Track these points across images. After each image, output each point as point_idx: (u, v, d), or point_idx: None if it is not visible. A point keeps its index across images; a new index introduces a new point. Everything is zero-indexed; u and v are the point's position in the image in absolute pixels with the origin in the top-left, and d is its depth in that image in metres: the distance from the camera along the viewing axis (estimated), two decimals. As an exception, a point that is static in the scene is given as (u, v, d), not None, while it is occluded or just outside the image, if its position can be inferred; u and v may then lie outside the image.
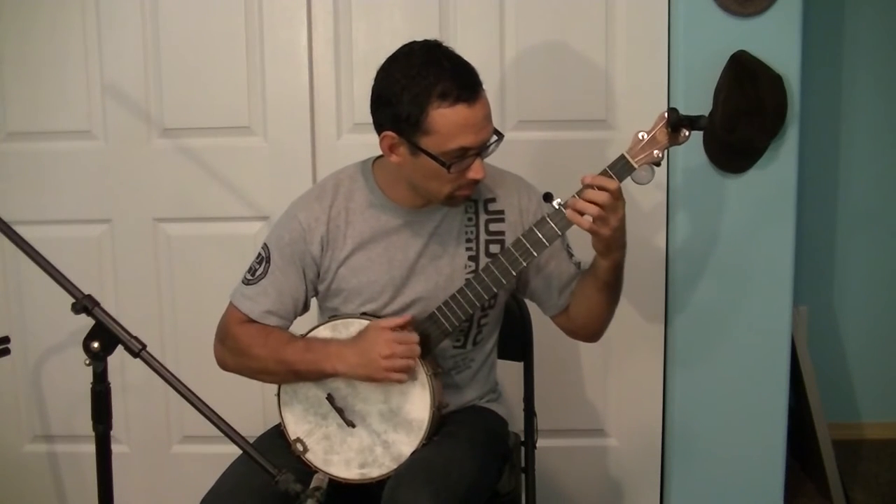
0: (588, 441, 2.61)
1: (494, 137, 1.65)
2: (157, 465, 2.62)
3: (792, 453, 2.65)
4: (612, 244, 1.63)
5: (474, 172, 1.63)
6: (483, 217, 1.78)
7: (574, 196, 1.61)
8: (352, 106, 2.45)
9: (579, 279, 1.80)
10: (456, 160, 1.60)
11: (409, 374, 1.68)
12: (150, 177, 2.50)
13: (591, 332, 1.85)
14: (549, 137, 2.45)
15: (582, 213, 1.58)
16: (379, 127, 1.66)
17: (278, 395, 1.78)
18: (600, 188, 1.57)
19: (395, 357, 1.64)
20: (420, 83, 1.57)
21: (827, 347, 3.15)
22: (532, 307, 1.96)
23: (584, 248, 1.75)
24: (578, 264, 1.82)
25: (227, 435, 1.37)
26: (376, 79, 1.64)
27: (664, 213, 2.45)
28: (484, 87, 1.62)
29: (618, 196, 1.58)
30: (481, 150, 1.63)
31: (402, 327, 1.68)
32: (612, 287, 1.73)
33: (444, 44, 1.64)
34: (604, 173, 1.62)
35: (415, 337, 1.67)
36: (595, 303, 1.76)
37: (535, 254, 1.66)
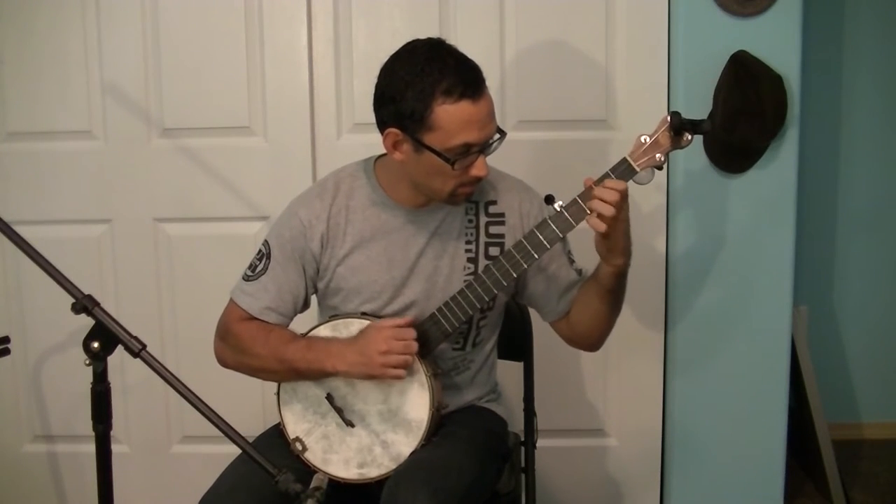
0: (588, 441, 2.61)
1: (497, 135, 1.65)
2: (157, 465, 2.62)
3: (792, 453, 2.65)
4: (617, 247, 1.63)
5: (477, 169, 1.63)
6: (483, 219, 1.78)
7: (576, 198, 1.61)
8: (352, 106, 2.45)
9: (582, 286, 1.80)
10: (459, 157, 1.60)
11: (408, 371, 1.68)
12: (150, 177, 2.50)
13: (591, 341, 1.84)
14: (549, 137, 2.45)
15: (598, 213, 1.58)
16: (382, 124, 1.66)
17: (278, 393, 1.78)
18: (611, 188, 1.57)
19: (392, 353, 1.64)
20: (424, 80, 1.57)
21: (827, 347, 3.15)
22: (532, 307, 1.96)
23: (586, 255, 1.75)
24: (580, 271, 1.82)
25: (227, 435, 1.37)
26: (380, 76, 1.64)
27: (664, 213, 2.45)
28: (486, 84, 1.62)
29: (625, 197, 1.59)
30: (484, 146, 1.63)
31: (401, 327, 1.68)
32: (614, 294, 1.72)
33: (446, 41, 1.64)
34: (605, 176, 1.61)
35: (411, 333, 1.67)
36: (596, 310, 1.76)
37: (536, 256, 1.66)
